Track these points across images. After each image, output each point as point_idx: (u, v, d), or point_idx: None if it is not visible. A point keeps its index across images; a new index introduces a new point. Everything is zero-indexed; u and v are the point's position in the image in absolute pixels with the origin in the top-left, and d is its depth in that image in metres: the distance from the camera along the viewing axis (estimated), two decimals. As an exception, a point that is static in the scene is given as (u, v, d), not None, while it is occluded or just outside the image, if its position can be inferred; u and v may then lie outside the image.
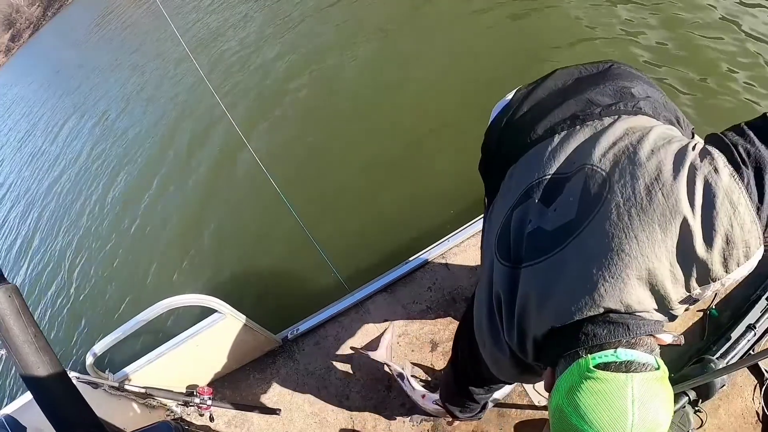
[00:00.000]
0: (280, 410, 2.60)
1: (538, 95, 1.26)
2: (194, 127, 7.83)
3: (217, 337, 2.53)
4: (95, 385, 2.33)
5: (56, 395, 1.24)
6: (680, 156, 0.92)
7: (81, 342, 5.75)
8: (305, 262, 4.21)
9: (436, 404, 2.16)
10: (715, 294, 2.23)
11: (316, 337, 2.86)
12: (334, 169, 5.18)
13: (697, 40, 4.29)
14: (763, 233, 0.88)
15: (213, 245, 5.45)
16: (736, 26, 4.23)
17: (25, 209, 10.31)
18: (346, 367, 2.71)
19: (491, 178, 1.31)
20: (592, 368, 0.84)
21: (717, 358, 2.04)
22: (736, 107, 3.69)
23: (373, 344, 2.66)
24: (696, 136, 1.19)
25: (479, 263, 2.01)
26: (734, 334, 2.14)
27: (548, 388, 0.97)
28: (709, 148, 0.94)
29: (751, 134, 0.93)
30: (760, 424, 2.07)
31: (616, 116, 1.07)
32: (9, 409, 2.13)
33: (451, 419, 2.25)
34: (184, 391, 2.50)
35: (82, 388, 2.26)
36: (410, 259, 2.93)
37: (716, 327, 2.26)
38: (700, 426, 2.06)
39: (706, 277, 0.90)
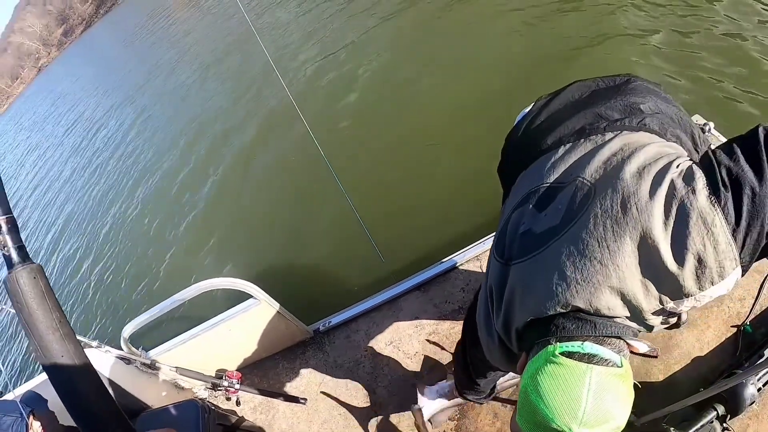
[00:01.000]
0: (306, 399, 2.60)
1: (554, 106, 1.33)
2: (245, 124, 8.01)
3: (250, 322, 2.56)
4: (128, 361, 2.38)
5: (80, 388, 1.13)
6: (662, 174, 0.96)
7: (108, 321, 5.92)
8: (343, 257, 4.24)
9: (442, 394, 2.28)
10: (751, 310, 2.17)
11: (347, 331, 2.86)
12: (387, 162, 5.19)
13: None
14: (740, 254, 0.90)
15: (254, 231, 5.57)
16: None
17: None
18: (374, 363, 2.70)
19: (506, 181, 1.40)
20: (557, 354, 0.91)
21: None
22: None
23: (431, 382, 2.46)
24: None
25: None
26: (767, 352, 2.07)
27: (520, 370, 1.05)
28: (694, 167, 0.96)
29: (738, 153, 0.94)
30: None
31: (618, 132, 1.12)
32: (32, 384, 2.18)
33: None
34: (213, 374, 2.53)
35: (114, 362, 2.32)
36: (444, 259, 2.91)
37: (750, 343, 2.19)
38: (727, 443, 1.99)
39: (679, 293, 0.93)
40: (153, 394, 2.51)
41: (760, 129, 0.94)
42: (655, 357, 2.08)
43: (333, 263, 4.37)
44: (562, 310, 0.98)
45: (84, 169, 12.44)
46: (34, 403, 1.71)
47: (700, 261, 0.89)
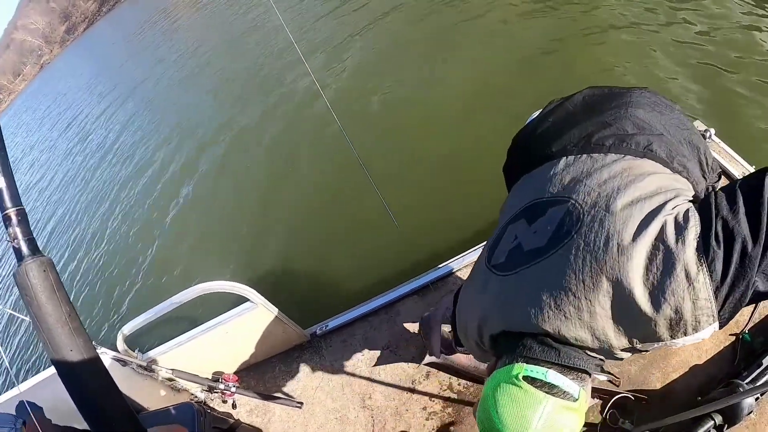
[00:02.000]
0: (302, 403, 2.60)
1: (564, 111, 1.32)
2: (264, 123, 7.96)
3: (247, 326, 2.56)
4: (124, 363, 2.38)
5: (89, 383, 1.12)
6: (654, 213, 0.95)
7: (105, 321, 5.89)
8: (341, 261, 4.23)
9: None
10: (749, 318, 2.17)
11: (344, 335, 2.85)
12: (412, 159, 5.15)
13: None
14: (719, 312, 0.88)
15: (253, 234, 5.56)
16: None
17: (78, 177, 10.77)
18: (371, 367, 2.69)
19: (510, 181, 1.40)
20: (520, 378, 0.94)
21: (746, 384, 1.97)
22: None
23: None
24: (718, 182, 1.25)
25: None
26: (766, 361, 2.06)
27: (488, 373, 1.11)
28: (690, 212, 0.93)
29: (740, 203, 0.90)
30: (788, 456, 1.98)
31: (622, 156, 1.11)
32: (24, 386, 2.17)
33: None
34: (209, 376, 2.52)
35: (110, 363, 2.32)
36: (441, 264, 2.90)
37: (748, 352, 2.18)
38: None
39: (650, 337, 0.94)
40: (149, 396, 2.51)
41: (767, 179, 0.90)
42: (617, 386, 2.14)
43: (330, 267, 4.36)
44: (533, 331, 1.01)
45: (81, 166, 12.46)
46: (27, 413, 1.70)
47: (677, 312, 0.88)
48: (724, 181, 2.05)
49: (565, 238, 1.00)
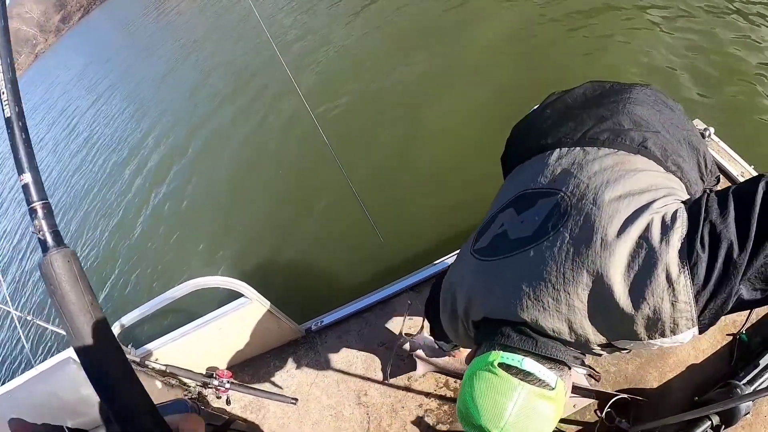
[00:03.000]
0: (297, 400, 2.58)
1: (562, 104, 1.32)
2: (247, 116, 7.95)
3: (241, 321, 2.54)
4: (117, 358, 2.35)
5: (110, 370, 1.14)
6: (640, 211, 0.93)
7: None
8: (336, 256, 4.21)
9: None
10: (747, 318, 2.17)
11: (339, 331, 2.83)
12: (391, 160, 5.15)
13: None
14: (699, 316, 0.87)
15: (246, 230, 5.54)
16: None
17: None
18: (367, 363, 2.67)
19: (506, 170, 1.41)
20: (495, 365, 0.95)
21: (744, 384, 1.97)
22: None
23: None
24: (717, 186, 1.25)
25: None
26: (763, 361, 2.06)
27: (468, 360, 1.16)
28: (678, 213, 0.91)
29: (731, 208, 0.87)
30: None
31: (615, 150, 1.09)
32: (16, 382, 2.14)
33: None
34: (203, 372, 2.50)
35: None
36: (437, 261, 2.88)
37: (745, 352, 2.18)
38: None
39: (628, 334, 0.93)
40: (142, 392, 2.48)
41: (761, 186, 0.86)
42: (597, 381, 2.17)
43: (325, 262, 4.35)
44: (512, 320, 1.02)
45: (76, 153, 12.41)
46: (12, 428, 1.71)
47: (655, 312, 0.87)
48: (723, 184, 2.02)
49: (552, 230, 1.00)
